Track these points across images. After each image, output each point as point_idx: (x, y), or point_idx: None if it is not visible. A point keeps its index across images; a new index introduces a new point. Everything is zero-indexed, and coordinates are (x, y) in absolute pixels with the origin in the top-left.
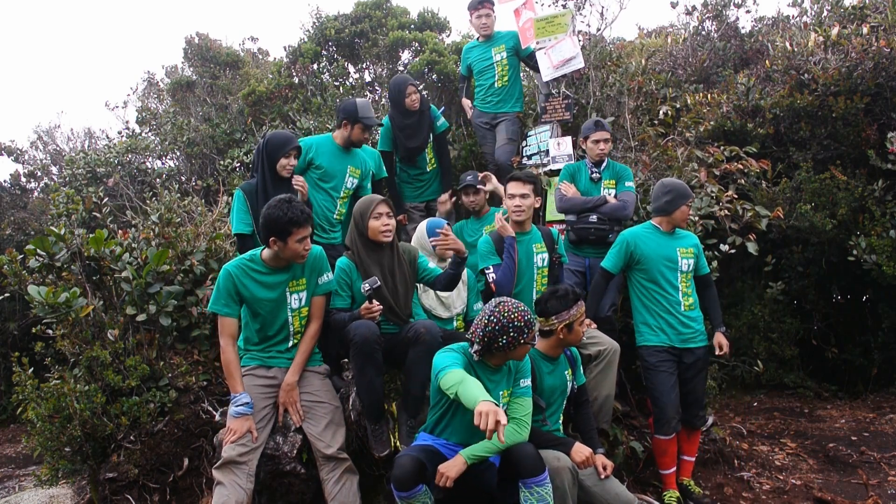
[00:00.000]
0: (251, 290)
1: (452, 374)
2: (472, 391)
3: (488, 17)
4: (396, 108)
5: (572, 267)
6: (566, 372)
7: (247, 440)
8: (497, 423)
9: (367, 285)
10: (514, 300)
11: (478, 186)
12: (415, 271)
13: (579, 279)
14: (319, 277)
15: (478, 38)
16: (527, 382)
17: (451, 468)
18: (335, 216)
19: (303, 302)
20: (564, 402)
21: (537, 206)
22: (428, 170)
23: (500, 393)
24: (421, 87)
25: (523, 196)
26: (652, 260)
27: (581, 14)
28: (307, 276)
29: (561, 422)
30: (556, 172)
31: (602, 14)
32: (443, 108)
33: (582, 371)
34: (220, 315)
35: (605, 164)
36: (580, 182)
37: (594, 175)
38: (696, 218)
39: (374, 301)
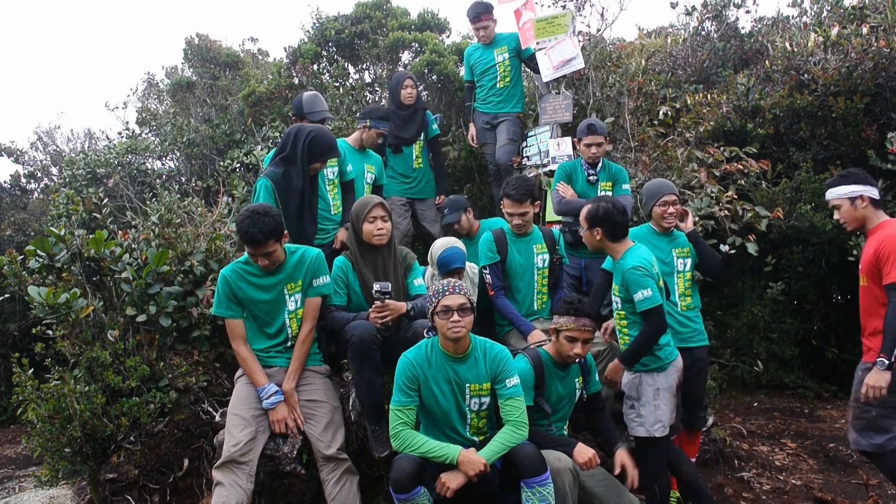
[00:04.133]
0: (247, 292)
1: (405, 440)
2: (441, 451)
3: (486, 28)
4: (392, 99)
5: (569, 270)
6: (577, 380)
7: (249, 438)
8: (484, 466)
9: (377, 286)
10: (452, 279)
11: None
12: (405, 277)
13: (574, 282)
14: (315, 280)
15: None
16: (514, 382)
17: (453, 480)
18: None
19: (299, 304)
20: (571, 410)
21: (536, 210)
22: (414, 167)
23: (469, 386)
24: (421, 87)
25: (522, 214)
26: None
27: (581, 15)
28: (303, 278)
29: (566, 428)
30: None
31: (602, 15)
32: (438, 116)
33: (597, 378)
34: (225, 318)
35: (601, 165)
36: (577, 183)
37: (591, 177)
38: (697, 218)
39: (386, 301)
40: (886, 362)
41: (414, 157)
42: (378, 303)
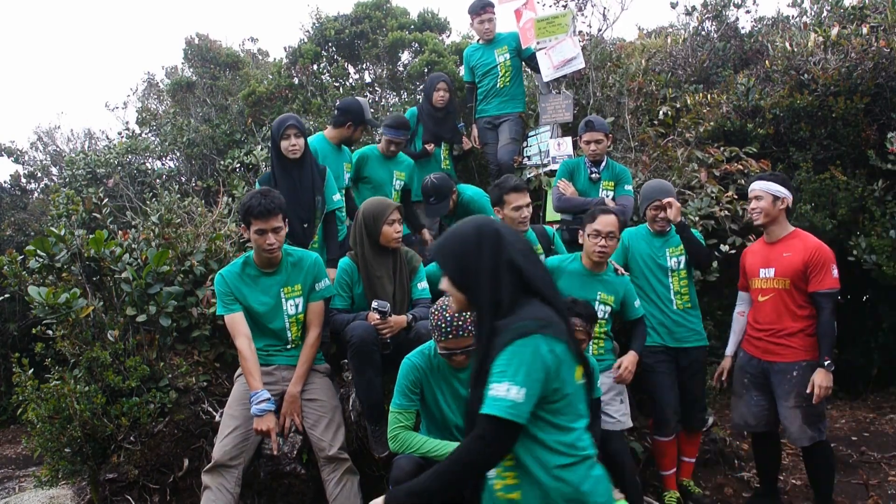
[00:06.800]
0: (245, 294)
1: (403, 442)
2: (442, 449)
3: (490, 21)
4: (427, 100)
5: None
6: None
7: (238, 441)
8: None
9: (376, 304)
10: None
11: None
12: (410, 280)
13: None
14: (317, 283)
15: (478, 41)
16: None
17: None
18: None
19: (299, 308)
20: None
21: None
22: (442, 167)
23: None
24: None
25: (528, 205)
26: (639, 260)
27: (582, 14)
28: (302, 281)
29: None
30: (556, 173)
31: (603, 14)
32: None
33: (598, 385)
34: (227, 315)
35: (604, 164)
36: (578, 181)
37: (594, 175)
38: (696, 218)
39: (388, 318)
40: (833, 364)
41: (442, 157)
42: (377, 318)
